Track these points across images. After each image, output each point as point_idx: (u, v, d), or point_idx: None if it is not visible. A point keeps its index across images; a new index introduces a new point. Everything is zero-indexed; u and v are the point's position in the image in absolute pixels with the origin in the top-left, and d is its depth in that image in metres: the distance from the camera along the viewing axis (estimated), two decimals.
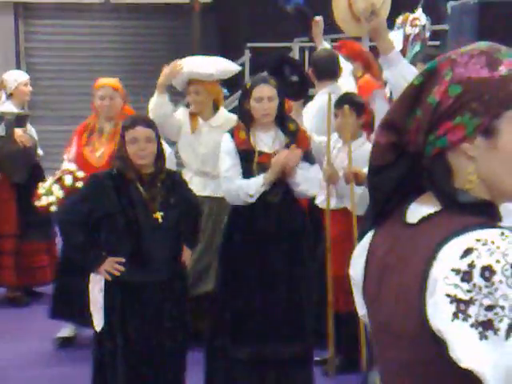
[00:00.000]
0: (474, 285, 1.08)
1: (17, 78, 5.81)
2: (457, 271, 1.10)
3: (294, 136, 3.72)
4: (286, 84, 3.98)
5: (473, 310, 1.07)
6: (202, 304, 4.26)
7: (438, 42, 6.45)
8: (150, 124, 3.40)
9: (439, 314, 1.11)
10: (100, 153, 4.52)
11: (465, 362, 1.08)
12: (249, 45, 9.16)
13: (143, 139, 3.31)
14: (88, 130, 4.62)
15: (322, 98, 4.46)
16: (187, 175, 4.35)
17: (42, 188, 4.41)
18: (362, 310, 1.39)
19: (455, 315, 1.09)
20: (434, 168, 1.23)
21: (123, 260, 3.30)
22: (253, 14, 9.31)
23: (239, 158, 3.67)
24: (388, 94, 4.26)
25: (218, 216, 4.40)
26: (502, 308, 1.06)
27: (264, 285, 3.64)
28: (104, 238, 3.36)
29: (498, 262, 1.07)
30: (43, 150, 5.96)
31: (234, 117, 4.62)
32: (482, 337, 1.06)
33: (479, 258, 1.09)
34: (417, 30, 4.57)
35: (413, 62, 4.16)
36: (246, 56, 9.17)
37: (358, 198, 3.99)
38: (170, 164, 3.96)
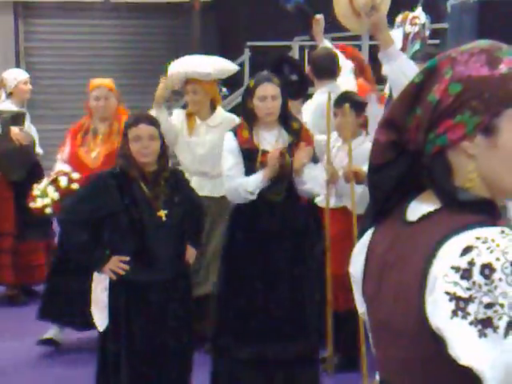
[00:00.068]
0: (474, 282, 1.08)
1: (16, 76, 5.81)
2: (456, 269, 1.10)
3: (298, 135, 3.71)
4: (286, 83, 3.98)
5: (472, 308, 1.07)
6: (202, 306, 4.25)
7: (437, 41, 6.45)
8: (153, 122, 3.38)
9: (438, 311, 1.11)
10: (95, 154, 4.49)
11: (464, 360, 1.08)
12: (249, 43, 9.16)
13: (146, 137, 3.29)
14: (82, 131, 4.59)
15: (321, 96, 4.46)
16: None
17: (36, 190, 4.37)
18: (361, 307, 1.39)
19: (454, 313, 1.09)
20: (434, 166, 1.23)
21: (127, 259, 3.28)
22: (253, 12, 9.31)
23: (242, 157, 3.66)
24: (388, 92, 4.26)
25: (215, 216, 4.39)
26: (502, 306, 1.06)
27: (267, 284, 3.63)
28: (108, 237, 3.34)
29: (497, 259, 1.08)
30: (43, 149, 5.95)
31: (231, 116, 4.62)
32: (482, 334, 1.06)
33: (479, 255, 1.09)
34: (416, 29, 4.57)
35: (412, 61, 4.16)
36: (246, 55, 9.17)
37: (357, 197, 3.99)
38: None
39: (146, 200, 3.30)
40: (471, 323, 1.07)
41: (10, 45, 9.93)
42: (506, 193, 1.23)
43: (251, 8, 9.30)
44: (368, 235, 1.36)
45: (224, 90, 8.31)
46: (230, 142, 3.69)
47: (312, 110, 4.52)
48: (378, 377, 4.13)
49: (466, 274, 1.09)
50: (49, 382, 4.34)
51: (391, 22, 4.51)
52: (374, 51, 7.49)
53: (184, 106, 4.90)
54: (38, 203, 4.31)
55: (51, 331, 4.68)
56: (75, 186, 4.27)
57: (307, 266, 3.73)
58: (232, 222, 3.80)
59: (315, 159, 3.74)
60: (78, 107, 4.76)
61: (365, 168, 3.94)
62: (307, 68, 4.91)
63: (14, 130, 5.39)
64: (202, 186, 4.40)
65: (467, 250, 1.10)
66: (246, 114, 3.71)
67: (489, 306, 1.06)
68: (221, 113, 4.57)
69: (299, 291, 3.69)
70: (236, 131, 3.72)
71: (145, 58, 10.15)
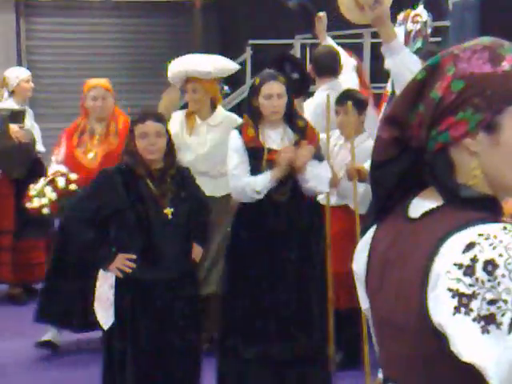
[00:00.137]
0: (477, 279, 1.08)
1: (18, 74, 5.81)
2: (459, 265, 1.10)
3: (303, 133, 3.69)
4: (287, 81, 3.97)
5: (475, 304, 1.07)
6: (205, 306, 4.24)
7: (439, 39, 6.44)
8: (159, 118, 3.35)
9: (441, 308, 1.11)
10: (92, 154, 4.45)
11: (466, 356, 1.08)
12: (250, 42, 9.15)
13: (153, 134, 3.27)
14: (78, 131, 4.55)
15: (321, 94, 4.45)
16: None
17: (33, 190, 4.32)
18: (365, 304, 1.40)
19: (457, 309, 1.09)
20: (437, 163, 1.23)
21: (134, 257, 3.26)
22: (254, 11, 9.31)
23: (248, 156, 3.64)
24: (389, 90, 4.26)
25: (216, 216, 4.37)
26: (505, 302, 1.06)
27: (273, 283, 3.61)
28: (114, 235, 3.31)
29: (500, 255, 1.08)
30: (45, 147, 5.94)
31: (232, 115, 4.59)
32: (484, 331, 1.06)
33: (482, 252, 1.09)
34: (418, 27, 4.57)
35: None
36: (248, 53, 9.17)
37: (359, 196, 3.99)
38: None
39: (152, 197, 3.27)
40: (474, 319, 1.07)
41: (11, 43, 9.93)
42: (508, 190, 1.23)
43: (252, 6, 9.29)
44: (371, 232, 1.36)
45: (225, 88, 8.31)
46: (236, 141, 3.67)
47: (312, 110, 4.52)
48: (380, 375, 4.13)
49: (469, 270, 1.09)
50: (49, 380, 4.33)
51: (393, 19, 4.50)
52: (375, 50, 7.49)
53: (184, 106, 4.88)
54: (35, 203, 4.27)
55: (49, 333, 4.66)
56: (73, 186, 4.24)
57: (313, 265, 3.72)
58: (237, 222, 3.78)
59: (320, 157, 3.73)
60: (79, 106, 4.75)
61: (367, 166, 3.94)
62: (309, 66, 4.90)
63: (13, 127, 5.37)
64: (202, 186, 4.38)
65: (470, 246, 1.10)
66: (251, 112, 3.69)
67: (492, 302, 1.06)
68: (221, 112, 4.54)
69: (305, 290, 3.67)
70: (241, 129, 3.69)
71: (146, 57, 10.15)
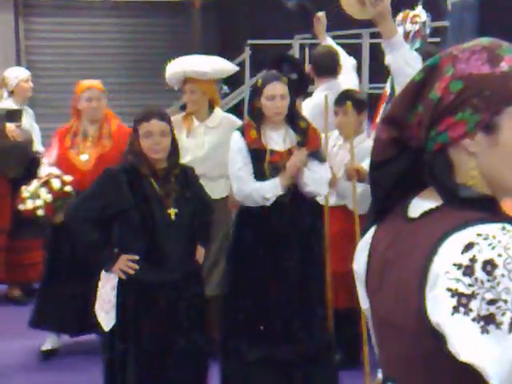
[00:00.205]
0: (476, 279, 1.08)
1: (18, 74, 5.81)
2: (458, 266, 1.10)
3: (305, 134, 3.67)
4: None
5: (474, 304, 1.08)
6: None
7: (438, 39, 6.44)
8: (164, 117, 3.31)
9: (439, 307, 1.12)
10: (86, 156, 4.40)
11: (464, 356, 1.08)
12: (249, 42, 9.15)
13: (158, 133, 3.23)
14: (71, 133, 4.50)
15: (320, 95, 4.45)
16: None
17: (26, 191, 4.25)
18: (365, 304, 1.40)
19: (456, 309, 1.09)
20: (435, 163, 1.23)
21: (137, 257, 3.22)
22: (253, 11, 9.30)
23: (250, 157, 3.61)
24: (389, 90, 4.26)
25: (215, 218, 4.36)
26: (505, 302, 1.06)
27: (277, 285, 3.59)
28: (117, 235, 3.27)
29: (499, 255, 1.08)
30: (44, 147, 5.93)
31: (230, 117, 4.55)
32: (484, 331, 1.07)
33: (481, 252, 1.09)
34: (417, 27, 4.56)
35: None
36: (246, 53, 9.16)
37: (358, 196, 3.99)
38: None
39: (156, 197, 3.23)
40: (474, 319, 1.07)
41: (10, 43, 9.91)
42: (507, 190, 1.23)
43: (252, 6, 9.29)
44: (371, 232, 1.37)
45: (225, 87, 8.31)
46: (238, 142, 3.64)
47: (309, 110, 4.51)
48: (379, 375, 4.13)
49: (468, 270, 1.09)
50: (49, 380, 4.33)
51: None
52: (374, 50, 7.49)
53: (183, 107, 4.86)
54: (29, 205, 4.20)
55: (49, 340, 4.63)
56: (68, 188, 4.20)
57: (315, 266, 3.70)
58: (239, 223, 3.76)
59: (321, 159, 3.71)
60: (71, 107, 4.72)
61: (365, 165, 3.94)
62: (308, 66, 4.90)
63: (10, 126, 5.34)
64: None
65: (469, 246, 1.11)
66: (254, 113, 3.66)
67: (492, 302, 1.07)
68: (219, 114, 4.51)
69: (308, 291, 3.65)
70: (243, 131, 3.67)
71: (145, 57, 10.13)
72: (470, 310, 1.08)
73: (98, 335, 4.11)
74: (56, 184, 4.21)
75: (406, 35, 4.94)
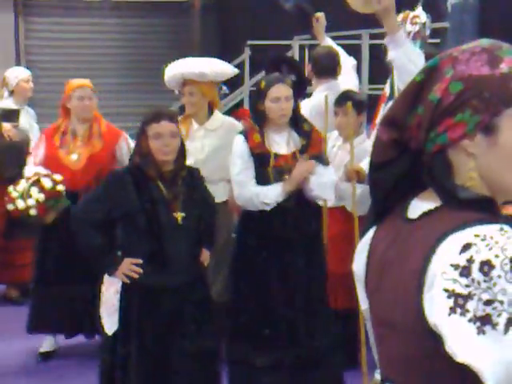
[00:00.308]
0: (473, 280, 1.08)
1: (18, 74, 5.81)
2: (455, 266, 1.11)
3: (309, 137, 3.64)
4: None
5: (471, 305, 1.08)
6: None
7: (438, 40, 6.45)
8: (173, 118, 3.26)
9: (436, 308, 1.12)
10: (76, 156, 4.36)
11: (460, 357, 1.09)
12: (249, 42, 9.16)
13: (168, 134, 3.18)
14: (59, 132, 4.45)
15: (319, 96, 4.44)
16: None
17: (14, 191, 4.16)
18: (364, 304, 1.40)
19: (452, 310, 1.09)
20: (435, 164, 1.23)
21: (140, 261, 3.17)
22: (253, 11, 9.31)
23: (253, 162, 3.56)
24: (388, 92, 4.26)
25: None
26: (501, 303, 1.06)
27: (283, 290, 3.56)
28: (122, 238, 3.23)
29: (496, 256, 1.08)
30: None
31: (230, 120, 4.51)
32: (480, 332, 1.07)
33: (478, 252, 1.09)
34: (417, 28, 4.56)
35: None
36: (246, 53, 9.17)
37: (358, 197, 3.98)
38: None
39: (163, 200, 3.19)
40: (470, 320, 1.08)
41: (10, 43, 9.91)
42: (506, 191, 1.23)
43: (251, 7, 9.30)
44: (370, 233, 1.37)
45: (224, 88, 8.30)
46: (241, 146, 3.59)
47: (308, 110, 4.50)
48: (377, 375, 4.13)
49: (465, 271, 1.09)
50: (49, 379, 4.32)
51: None
52: (374, 50, 7.49)
53: (182, 108, 4.82)
54: (21, 204, 4.11)
55: (46, 342, 4.61)
56: (61, 187, 4.14)
57: (319, 269, 3.67)
58: (242, 229, 3.72)
59: (325, 162, 3.67)
60: (61, 106, 4.70)
61: (364, 165, 3.94)
62: (307, 67, 4.89)
63: (6, 126, 5.31)
64: None
65: (466, 247, 1.11)
66: (257, 116, 3.62)
67: (488, 302, 1.07)
68: (219, 117, 4.45)
69: (312, 294, 3.62)
70: (246, 135, 3.62)
71: (145, 57, 10.13)
72: (467, 311, 1.08)
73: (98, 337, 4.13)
74: (47, 183, 4.14)
75: (406, 36, 4.94)
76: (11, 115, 5.50)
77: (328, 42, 5.07)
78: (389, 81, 4.22)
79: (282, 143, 3.62)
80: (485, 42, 1.24)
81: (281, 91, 3.54)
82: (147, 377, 3.19)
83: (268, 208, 3.53)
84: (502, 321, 1.06)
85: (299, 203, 3.60)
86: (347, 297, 3.92)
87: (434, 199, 1.24)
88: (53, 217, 4.19)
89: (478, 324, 1.07)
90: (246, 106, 8.94)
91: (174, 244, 3.19)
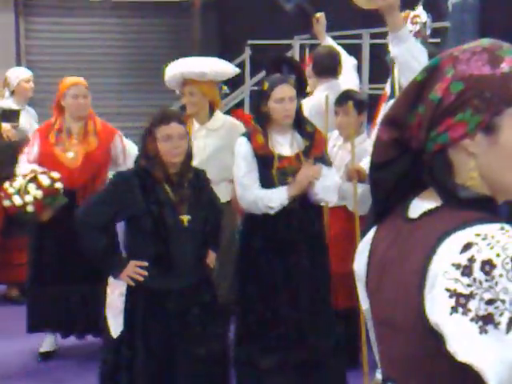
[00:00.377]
0: (475, 279, 1.08)
1: (19, 74, 5.81)
2: (457, 266, 1.11)
3: (312, 138, 3.61)
4: None
5: (473, 304, 1.08)
6: None
7: (438, 40, 6.45)
8: (181, 120, 3.24)
9: (438, 307, 1.12)
10: (72, 154, 4.33)
11: (462, 356, 1.09)
12: (249, 42, 9.16)
13: (177, 136, 3.16)
14: (54, 130, 4.41)
15: (319, 95, 4.44)
16: None
17: (11, 188, 4.12)
18: (365, 304, 1.40)
19: (454, 309, 1.09)
20: (435, 164, 1.23)
21: (146, 264, 3.16)
22: (253, 11, 9.30)
23: (257, 163, 3.53)
24: (388, 91, 4.26)
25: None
26: (503, 302, 1.06)
27: (289, 291, 3.55)
28: (128, 241, 3.21)
29: (498, 255, 1.08)
30: None
31: (232, 120, 4.49)
32: (482, 331, 1.07)
33: (479, 252, 1.09)
34: (417, 28, 4.56)
35: None
36: (246, 53, 9.17)
37: (359, 197, 3.98)
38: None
39: (170, 203, 3.17)
40: (472, 319, 1.08)
41: (10, 43, 9.92)
42: (507, 191, 1.23)
43: (251, 6, 9.29)
44: (371, 233, 1.37)
45: (225, 88, 8.30)
46: (244, 148, 3.55)
47: (308, 110, 4.50)
48: (378, 375, 4.13)
49: (467, 270, 1.09)
50: (49, 380, 4.32)
51: None
52: (374, 50, 7.49)
53: (182, 107, 4.80)
54: (18, 201, 4.07)
55: (47, 341, 4.61)
56: (59, 185, 4.11)
57: (323, 269, 3.66)
58: (247, 230, 3.69)
59: (327, 163, 3.66)
60: (54, 104, 4.69)
61: (364, 164, 3.93)
62: (308, 66, 4.89)
63: (5, 126, 5.30)
64: None
65: (467, 246, 1.11)
66: (260, 117, 3.59)
67: (490, 302, 1.07)
68: (220, 116, 4.43)
69: (316, 294, 3.61)
70: (250, 136, 3.59)
71: (145, 56, 10.14)
72: (469, 310, 1.08)
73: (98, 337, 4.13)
74: (45, 180, 4.11)
75: None
76: (11, 116, 5.49)
77: (329, 41, 5.07)
78: (389, 80, 4.22)
79: (285, 144, 3.59)
80: (485, 41, 1.24)
81: (285, 92, 3.51)
82: (153, 379, 3.17)
83: (272, 212, 3.50)
84: (504, 320, 1.06)
85: (303, 205, 3.57)
86: (348, 296, 3.92)
87: (435, 199, 1.24)
88: (49, 214, 4.16)
89: (480, 323, 1.07)
90: (247, 105, 8.96)
91: (180, 246, 3.18)
